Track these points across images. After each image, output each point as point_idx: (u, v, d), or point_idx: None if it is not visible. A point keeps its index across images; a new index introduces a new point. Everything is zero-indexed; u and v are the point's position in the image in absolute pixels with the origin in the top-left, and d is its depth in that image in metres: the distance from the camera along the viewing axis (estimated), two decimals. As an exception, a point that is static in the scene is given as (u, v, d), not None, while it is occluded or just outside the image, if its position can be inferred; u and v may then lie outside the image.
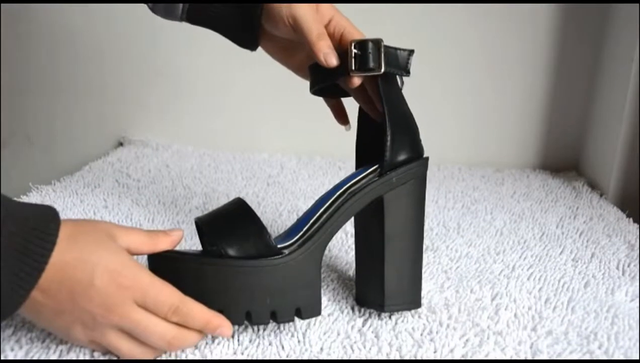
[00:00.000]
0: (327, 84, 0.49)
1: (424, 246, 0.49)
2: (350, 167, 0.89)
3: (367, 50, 0.45)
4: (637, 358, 0.44)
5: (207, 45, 0.81)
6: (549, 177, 0.91)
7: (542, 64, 0.93)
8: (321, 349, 0.44)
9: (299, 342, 0.45)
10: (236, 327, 0.45)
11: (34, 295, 0.36)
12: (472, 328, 0.47)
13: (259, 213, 0.44)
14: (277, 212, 0.73)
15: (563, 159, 0.97)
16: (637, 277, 0.57)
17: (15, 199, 0.38)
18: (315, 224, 0.44)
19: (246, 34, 0.53)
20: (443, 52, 0.93)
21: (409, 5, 0.91)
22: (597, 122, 0.90)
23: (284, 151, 0.98)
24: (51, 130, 1.02)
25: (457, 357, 0.43)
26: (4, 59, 0.97)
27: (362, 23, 0.50)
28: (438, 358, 0.43)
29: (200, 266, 0.41)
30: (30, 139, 1.02)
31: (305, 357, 0.43)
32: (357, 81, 0.46)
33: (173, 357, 0.42)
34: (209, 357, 0.42)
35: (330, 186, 0.48)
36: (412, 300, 0.48)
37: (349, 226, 0.65)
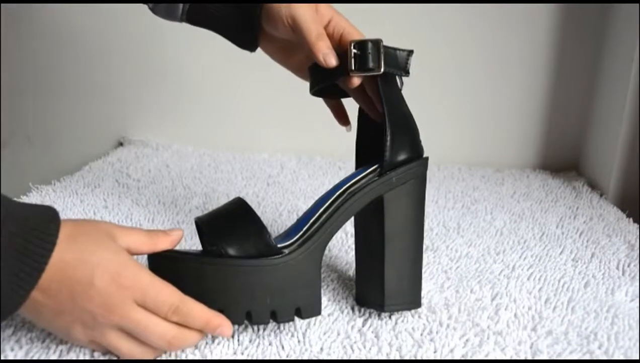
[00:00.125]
0: (326, 84, 0.49)
1: (424, 246, 0.49)
2: (350, 167, 0.89)
3: (366, 50, 0.45)
4: (637, 358, 0.44)
5: (208, 45, 0.81)
6: (549, 177, 0.91)
7: (542, 64, 0.93)
8: (321, 349, 0.44)
9: (299, 342, 0.45)
10: (236, 326, 0.45)
11: (34, 295, 0.36)
12: (472, 328, 0.47)
13: (259, 213, 0.44)
14: (277, 212, 0.73)
15: (563, 159, 0.97)
16: (637, 277, 0.57)
17: (15, 199, 0.38)
18: (315, 224, 0.44)
19: (246, 35, 0.53)
20: (443, 52, 0.93)
21: (409, 5, 0.91)
22: (597, 122, 0.90)
23: (284, 151, 0.98)
24: (51, 130, 1.02)
25: (457, 357, 0.43)
26: (4, 59, 0.97)
27: (361, 23, 0.50)
28: (438, 358, 0.43)
29: (200, 265, 0.41)
30: (30, 139, 1.02)
31: (305, 357, 0.43)
32: (356, 81, 0.46)
33: (173, 357, 0.42)
34: (209, 357, 0.42)
35: (330, 186, 0.48)
36: (412, 300, 0.48)
37: (349, 226, 0.65)
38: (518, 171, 0.94)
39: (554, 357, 0.44)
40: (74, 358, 0.41)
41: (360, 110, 0.53)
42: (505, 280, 0.56)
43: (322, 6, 0.49)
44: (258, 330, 0.46)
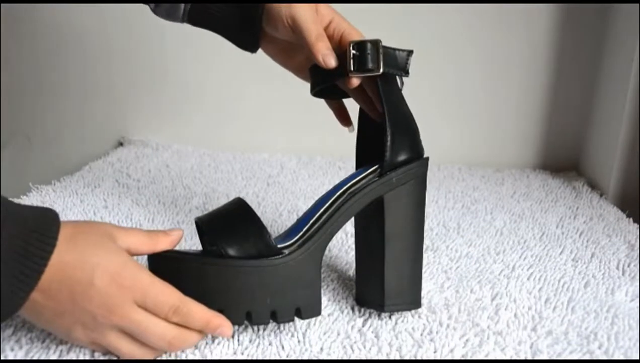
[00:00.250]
0: (326, 85, 0.49)
1: (424, 246, 0.49)
2: (350, 167, 0.89)
3: (365, 51, 0.45)
4: (637, 358, 0.44)
5: (208, 46, 0.81)
6: (549, 177, 0.91)
7: (542, 64, 0.93)
8: (321, 349, 0.44)
9: (299, 342, 0.45)
10: (236, 327, 0.45)
11: (34, 296, 0.36)
12: (472, 328, 0.47)
13: (259, 213, 0.44)
14: (277, 212, 0.73)
15: (563, 159, 0.97)
16: (637, 277, 0.57)
17: (15, 200, 0.38)
18: (315, 225, 0.44)
19: (247, 36, 0.53)
20: (443, 52, 0.93)
21: (409, 6, 0.91)
22: (597, 122, 0.90)
23: (284, 151, 0.98)
24: (51, 130, 1.02)
25: (457, 357, 0.43)
26: (4, 59, 0.97)
27: (361, 23, 0.50)
28: (438, 358, 0.43)
29: (200, 266, 0.41)
30: (30, 139, 1.02)
31: (305, 357, 0.43)
32: (355, 81, 0.46)
33: (173, 357, 0.42)
34: (209, 357, 0.42)
35: (330, 186, 0.48)
36: (412, 300, 0.48)
37: (349, 226, 0.65)
38: (518, 171, 0.94)
39: (554, 357, 0.44)
40: (74, 358, 0.41)
41: (360, 110, 0.53)
42: (505, 280, 0.56)
43: (322, 7, 0.49)
44: (258, 330, 0.46)
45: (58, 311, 0.37)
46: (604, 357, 0.44)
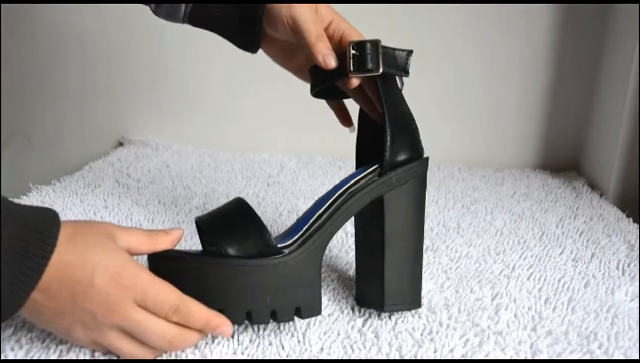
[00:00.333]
0: (326, 85, 0.49)
1: (424, 246, 0.49)
2: (350, 167, 0.89)
3: (365, 51, 0.45)
4: (637, 358, 0.44)
5: (208, 46, 0.81)
6: (549, 177, 0.91)
7: (542, 64, 0.93)
8: (321, 349, 0.44)
9: (299, 342, 0.45)
10: (236, 326, 0.45)
11: (34, 296, 0.36)
12: (472, 328, 0.47)
13: (259, 213, 0.44)
14: (277, 212, 0.73)
15: (563, 159, 0.97)
16: (637, 277, 0.57)
17: (15, 200, 0.38)
18: (315, 224, 0.44)
19: (247, 37, 0.53)
20: (443, 52, 0.93)
21: (408, 6, 0.91)
22: (597, 122, 0.90)
23: (284, 151, 0.98)
24: (51, 130, 1.02)
25: (457, 357, 0.43)
26: (4, 59, 0.97)
27: (360, 24, 0.50)
28: (438, 358, 0.43)
29: (200, 265, 0.41)
30: (30, 139, 1.02)
31: (305, 357, 0.43)
32: (355, 81, 0.46)
33: (173, 357, 0.42)
34: (209, 357, 0.42)
35: (330, 186, 0.48)
36: (412, 300, 0.48)
37: (349, 226, 0.65)
38: (518, 171, 0.94)
39: (554, 357, 0.44)
40: (74, 358, 0.41)
41: (360, 110, 0.53)
42: (505, 280, 0.56)
43: (322, 7, 0.49)
44: (258, 330, 0.46)
45: (58, 311, 0.37)
46: (604, 357, 0.44)
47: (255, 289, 0.41)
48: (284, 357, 0.43)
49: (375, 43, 0.45)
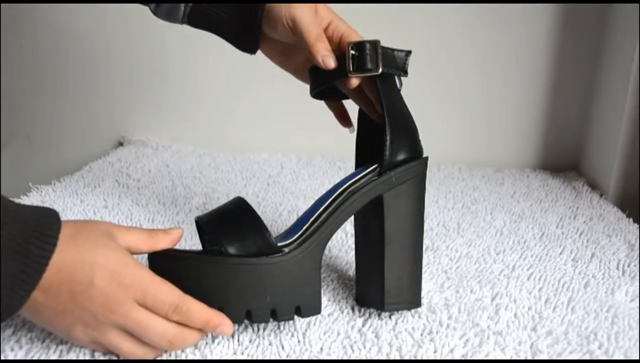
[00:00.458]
0: (326, 86, 0.49)
1: (424, 246, 0.49)
2: (350, 167, 0.89)
3: (364, 51, 0.45)
4: (637, 358, 0.44)
5: (208, 46, 0.81)
6: (549, 177, 0.91)
7: (542, 64, 0.93)
8: (321, 349, 0.44)
9: (299, 342, 0.45)
10: (236, 326, 0.45)
11: (35, 295, 0.36)
12: (472, 328, 0.47)
13: (259, 213, 0.44)
14: (277, 212, 0.73)
15: (563, 159, 0.97)
16: (637, 277, 0.57)
17: (15, 200, 0.38)
18: (315, 223, 0.44)
19: (246, 38, 0.53)
20: (442, 52, 0.93)
21: (408, 6, 0.91)
22: (597, 122, 0.90)
23: (284, 151, 0.98)
24: (51, 130, 1.02)
25: (457, 357, 0.43)
26: (4, 59, 0.97)
27: (360, 24, 0.50)
28: (438, 358, 0.43)
29: (200, 264, 0.41)
30: (30, 139, 1.02)
31: (305, 357, 0.43)
32: (355, 81, 0.46)
33: (173, 357, 0.42)
34: (209, 357, 0.42)
35: (330, 186, 0.48)
36: (412, 300, 0.48)
37: (349, 226, 0.65)
38: (518, 171, 0.94)
39: (554, 357, 0.44)
40: (74, 358, 0.41)
41: (360, 110, 0.53)
42: (505, 280, 0.56)
43: (322, 8, 0.49)
44: (258, 330, 0.46)
45: (58, 311, 0.37)
46: (604, 357, 0.44)
47: (255, 288, 0.41)
48: (284, 357, 0.43)
49: (375, 43, 0.45)
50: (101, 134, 1.02)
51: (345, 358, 0.43)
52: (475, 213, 0.74)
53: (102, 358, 0.41)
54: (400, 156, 0.46)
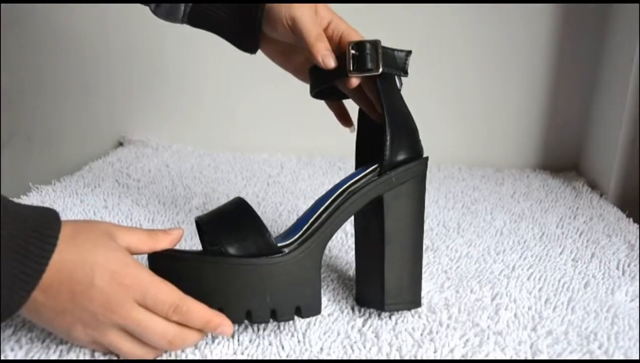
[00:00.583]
0: (326, 85, 0.49)
1: (424, 246, 0.49)
2: (350, 167, 0.89)
3: (364, 51, 0.45)
4: (637, 358, 0.44)
5: (208, 46, 0.81)
6: (549, 177, 0.91)
7: (542, 64, 0.93)
8: (321, 349, 0.44)
9: (299, 342, 0.45)
10: (236, 326, 0.45)
11: (35, 295, 0.36)
12: (472, 328, 0.47)
13: (259, 213, 0.44)
14: (277, 212, 0.73)
15: (563, 159, 0.97)
16: (637, 277, 0.57)
17: (15, 200, 0.38)
18: (315, 224, 0.44)
19: (246, 38, 0.53)
20: (442, 52, 0.93)
21: (408, 6, 0.91)
22: (597, 122, 0.90)
23: (284, 151, 0.98)
24: (51, 130, 1.02)
25: (457, 357, 0.43)
26: (4, 59, 0.97)
27: (360, 24, 0.50)
28: (438, 358, 0.43)
29: (200, 264, 0.41)
30: (30, 139, 1.02)
31: (305, 357, 0.43)
32: (355, 81, 0.46)
33: (173, 357, 0.42)
34: (209, 357, 0.42)
35: (330, 186, 0.48)
36: (412, 300, 0.48)
37: (349, 226, 0.65)
38: (518, 171, 0.94)
39: (554, 357, 0.44)
40: (74, 358, 0.41)
41: (360, 110, 0.53)
42: (505, 280, 0.56)
43: (322, 8, 0.49)
44: (258, 330, 0.46)
45: (58, 311, 0.37)
46: (604, 357, 0.44)
47: (255, 288, 0.41)
48: (284, 357, 0.43)
49: (375, 43, 0.45)
50: (101, 134, 1.02)
51: (345, 358, 0.43)
52: (475, 213, 0.74)
53: (102, 358, 0.41)
54: (401, 156, 0.46)
